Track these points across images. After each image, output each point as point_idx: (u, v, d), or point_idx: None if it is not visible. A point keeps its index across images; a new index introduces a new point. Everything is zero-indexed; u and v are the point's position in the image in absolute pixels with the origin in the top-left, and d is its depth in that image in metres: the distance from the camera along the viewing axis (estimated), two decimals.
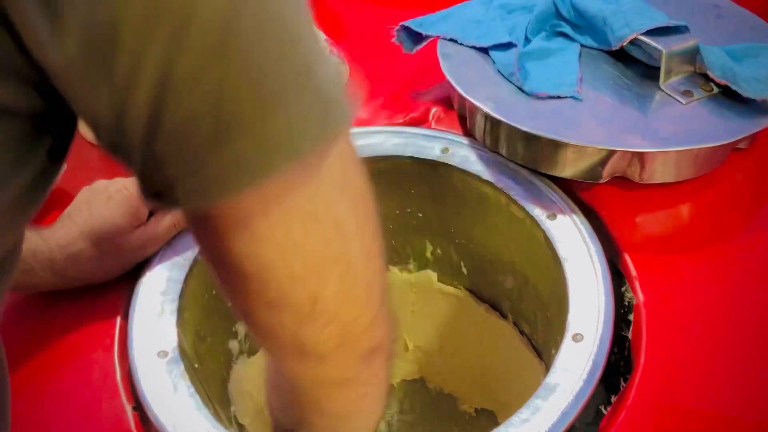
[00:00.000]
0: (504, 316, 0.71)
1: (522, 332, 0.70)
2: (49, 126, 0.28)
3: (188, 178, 0.26)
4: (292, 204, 0.28)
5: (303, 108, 0.27)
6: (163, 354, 0.51)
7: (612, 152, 0.55)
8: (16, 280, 0.49)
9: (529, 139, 0.57)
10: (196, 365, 0.57)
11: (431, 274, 0.74)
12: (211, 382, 0.60)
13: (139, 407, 0.49)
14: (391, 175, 0.65)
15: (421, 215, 0.69)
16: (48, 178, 0.30)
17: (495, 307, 0.72)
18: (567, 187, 0.59)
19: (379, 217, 0.32)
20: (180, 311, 0.54)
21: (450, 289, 0.74)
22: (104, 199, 0.54)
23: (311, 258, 0.29)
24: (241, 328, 0.66)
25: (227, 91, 0.25)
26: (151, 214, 0.56)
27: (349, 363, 0.34)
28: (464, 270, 0.72)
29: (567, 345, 0.49)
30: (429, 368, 0.82)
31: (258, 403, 0.69)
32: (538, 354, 0.68)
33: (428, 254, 0.73)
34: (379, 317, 0.33)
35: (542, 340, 0.66)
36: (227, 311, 0.64)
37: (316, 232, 0.29)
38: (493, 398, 0.79)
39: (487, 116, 0.59)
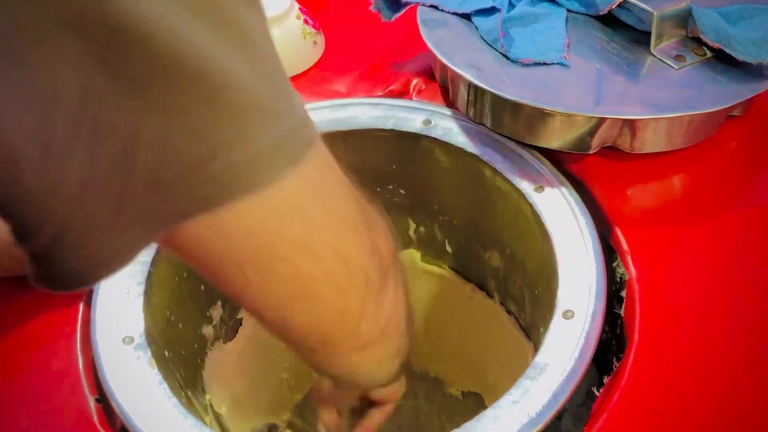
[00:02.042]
0: (490, 296, 0.69)
1: (509, 311, 0.67)
2: None
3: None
4: (246, 254, 0.29)
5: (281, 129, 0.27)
6: (129, 340, 0.48)
7: (601, 120, 0.52)
8: None
9: (515, 108, 0.54)
10: (167, 353, 0.54)
11: (415, 254, 0.71)
12: (184, 369, 0.57)
13: (102, 398, 0.46)
14: (370, 149, 0.62)
15: (402, 192, 0.66)
16: None
17: (481, 286, 0.69)
18: (555, 159, 0.56)
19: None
20: (147, 295, 0.51)
21: (434, 268, 0.72)
22: None
23: (273, 295, 0.31)
24: (215, 313, 0.63)
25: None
26: None
27: (335, 356, 0.36)
28: (449, 248, 0.69)
29: (557, 323, 0.46)
30: (414, 350, 0.79)
31: (236, 391, 0.66)
32: (526, 334, 0.66)
33: (411, 233, 0.70)
34: (363, 326, 0.35)
35: (530, 319, 0.63)
36: (200, 295, 0.61)
37: (273, 278, 0.30)
38: (480, 380, 0.77)
39: (470, 85, 0.56)
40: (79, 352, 0.49)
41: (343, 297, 0.32)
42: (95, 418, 0.45)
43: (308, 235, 0.30)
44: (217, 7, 0.25)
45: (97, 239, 0.26)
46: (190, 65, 0.24)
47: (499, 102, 0.55)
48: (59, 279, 0.27)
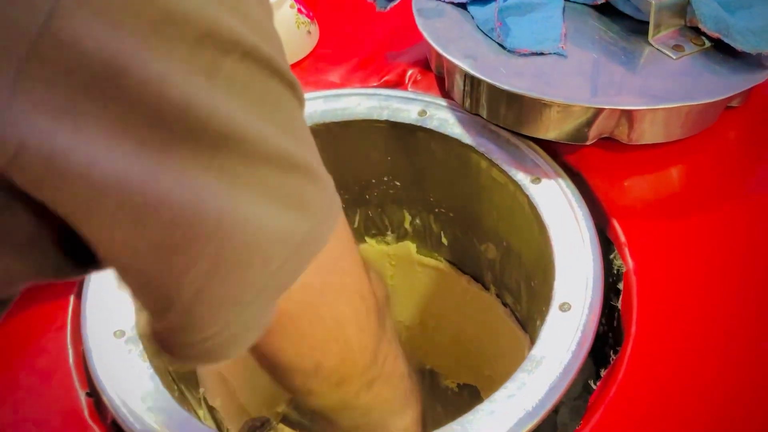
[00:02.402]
0: (486, 288, 0.68)
1: (505, 304, 0.67)
2: None
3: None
4: (299, 306, 0.32)
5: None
6: (120, 333, 0.47)
7: (599, 111, 0.52)
8: None
9: (511, 98, 0.53)
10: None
11: (410, 246, 0.71)
12: None
13: (93, 392, 0.46)
14: (365, 140, 0.61)
15: (398, 184, 0.65)
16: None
17: (477, 278, 0.69)
18: (551, 150, 0.56)
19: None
20: None
21: (430, 260, 0.71)
22: None
23: (316, 340, 0.35)
24: None
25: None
26: None
27: (349, 395, 0.39)
28: (445, 241, 0.68)
29: (553, 315, 0.46)
30: (409, 343, 0.79)
31: (230, 385, 0.66)
32: (522, 326, 0.65)
33: (407, 225, 0.69)
34: (372, 361, 0.38)
35: (526, 312, 0.63)
36: None
37: (319, 324, 0.34)
38: (476, 373, 0.76)
39: (466, 75, 0.55)
40: (69, 346, 0.48)
41: (364, 335, 0.37)
42: (86, 413, 0.45)
43: (343, 282, 0.34)
44: (272, 104, 0.28)
45: (218, 323, 0.29)
46: (269, 150, 0.27)
47: (495, 92, 0.54)
48: (180, 353, 0.30)
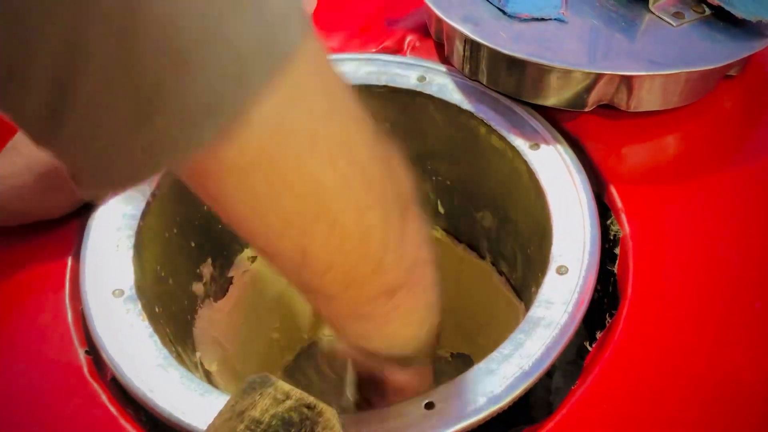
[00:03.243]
0: (482, 257, 0.68)
1: (501, 272, 0.67)
2: None
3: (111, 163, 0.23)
4: (250, 156, 0.25)
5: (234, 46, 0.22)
6: (118, 293, 0.47)
7: (599, 76, 0.52)
8: None
9: (511, 63, 0.53)
10: (157, 308, 0.53)
11: None
12: (174, 325, 0.56)
13: (92, 350, 0.46)
14: (364, 106, 0.61)
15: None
16: None
17: (473, 247, 0.69)
18: (550, 117, 0.56)
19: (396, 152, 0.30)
20: (137, 248, 0.50)
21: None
22: None
23: (287, 215, 0.27)
24: (206, 271, 0.63)
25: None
26: None
27: (360, 302, 0.33)
28: (441, 209, 0.69)
29: (551, 278, 0.46)
30: None
31: (226, 351, 0.66)
32: (518, 295, 0.66)
33: None
34: (388, 260, 0.31)
35: (522, 280, 0.63)
36: (191, 252, 0.60)
37: (284, 187, 0.26)
38: (469, 342, 0.77)
39: (466, 40, 0.55)
40: (68, 305, 0.48)
41: (363, 217, 0.29)
42: (85, 370, 0.45)
43: (316, 131, 0.26)
44: None
45: (115, 134, 0.23)
46: None
47: (495, 57, 0.54)
48: (87, 180, 0.25)
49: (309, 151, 0.26)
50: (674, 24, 0.54)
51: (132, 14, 0.20)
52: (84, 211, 0.52)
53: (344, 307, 0.33)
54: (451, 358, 0.80)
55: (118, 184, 0.25)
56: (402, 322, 0.36)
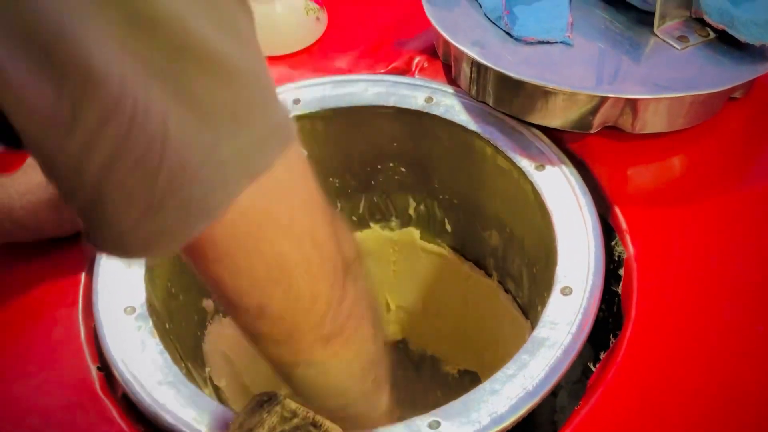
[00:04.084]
0: (489, 274, 0.69)
1: (507, 290, 0.68)
2: None
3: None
4: (235, 234, 0.31)
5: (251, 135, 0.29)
6: (130, 310, 0.48)
7: (604, 99, 0.52)
8: None
9: (517, 86, 0.54)
10: (168, 325, 0.54)
11: (414, 232, 0.72)
12: (184, 341, 0.57)
13: (104, 367, 0.47)
14: (372, 126, 0.62)
15: (403, 170, 0.66)
16: None
17: (479, 265, 0.70)
18: (556, 138, 0.56)
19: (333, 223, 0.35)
20: (149, 266, 0.51)
21: (433, 247, 0.72)
22: None
23: (255, 278, 0.33)
24: None
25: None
26: None
27: (300, 348, 0.37)
28: (448, 227, 0.69)
29: (555, 299, 0.47)
30: (411, 329, 0.80)
31: (235, 366, 0.67)
32: (524, 313, 0.66)
33: (411, 211, 0.70)
34: (327, 317, 0.36)
35: (528, 298, 0.64)
36: None
37: (258, 260, 0.32)
38: (476, 359, 0.77)
39: (473, 62, 0.56)
40: (80, 321, 0.49)
41: (315, 284, 0.34)
42: (97, 386, 0.46)
43: (291, 219, 0.32)
44: (218, 8, 0.27)
45: (127, 219, 0.28)
46: (205, 51, 0.27)
47: (501, 80, 0.55)
48: (99, 244, 0.30)
49: (284, 234, 0.32)
50: (679, 47, 0.55)
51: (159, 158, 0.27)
52: None
53: (288, 352, 0.38)
54: (457, 374, 0.81)
55: (123, 255, 0.30)
56: (342, 372, 0.40)
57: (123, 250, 0.30)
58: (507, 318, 0.68)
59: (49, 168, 0.28)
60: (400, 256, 0.74)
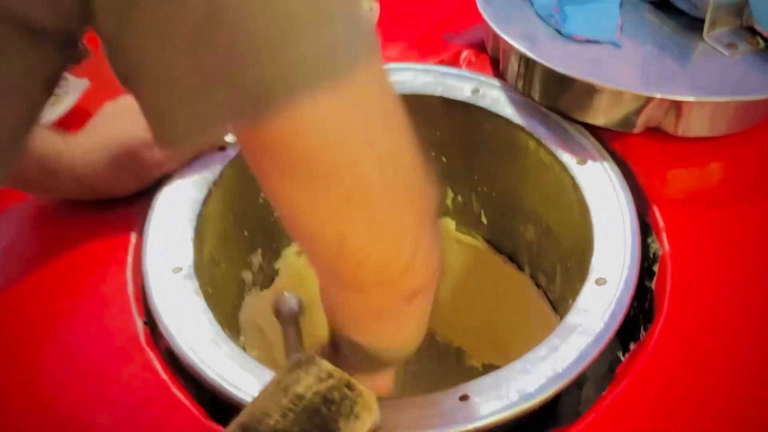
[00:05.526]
0: (521, 269, 0.70)
1: (538, 285, 0.69)
2: (54, 44, 0.28)
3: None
4: (311, 145, 0.28)
5: (333, 31, 0.27)
6: (177, 270, 0.50)
7: (649, 100, 0.53)
8: (39, 181, 0.50)
9: (564, 82, 0.55)
10: (209, 289, 0.56)
11: (450, 223, 0.73)
12: (222, 309, 0.59)
13: (150, 321, 0.49)
14: (417, 115, 0.63)
15: (444, 160, 0.68)
16: (40, 107, 0.31)
17: (513, 259, 0.71)
18: (599, 136, 0.57)
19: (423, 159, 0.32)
20: (197, 231, 0.53)
21: (468, 239, 0.73)
22: (128, 113, 0.53)
23: (334, 202, 0.30)
24: (255, 260, 0.66)
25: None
26: None
27: (389, 300, 0.35)
28: (484, 220, 0.70)
29: (589, 288, 0.48)
30: (440, 320, 0.80)
31: (267, 338, 0.68)
32: (554, 308, 0.67)
33: (449, 202, 0.71)
34: (417, 263, 0.33)
35: (559, 294, 0.65)
36: (243, 240, 0.63)
37: (336, 179, 0.29)
38: (502, 354, 0.78)
39: (521, 56, 0.57)
40: (129, 278, 0.51)
41: (401, 219, 0.31)
42: (142, 339, 0.48)
43: (373, 135, 0.29)
44: None
45: (180, 96, 0.27)
46: None
47: (549, 75, 0.56)
48: (162, 126, 0.28)
49: (365, 151, 0.29)
50: (727, 54, 0.55)
51: None
52: (150, 192, 0.55)
53: (371, 304, 0.35)
54: (482, 368, 0.81)
55: (192, 134, 0.28)
56: (415, 326, 0.38)
57: (191, 126, 0.27)
58: (536, 313, 0.69)
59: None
60: None
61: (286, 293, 0.52)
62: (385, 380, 0.45)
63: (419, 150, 0.32)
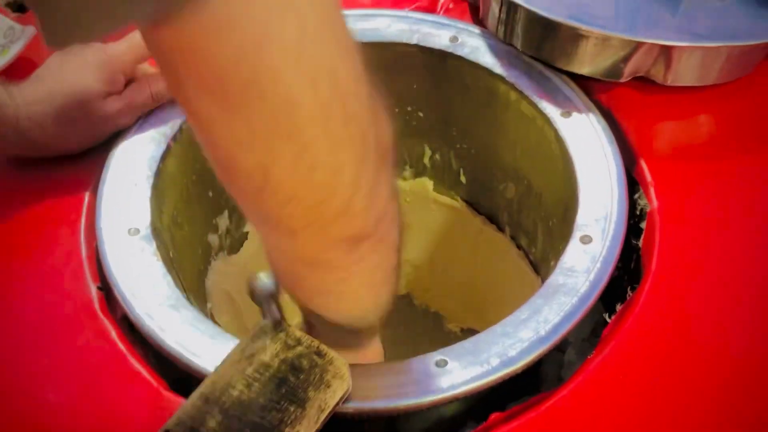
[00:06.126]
0: (501, 229, 0.67)
1: (519, 246, 0.66)
2: None
3: None
4: (225, 51, 0.24)
5: None
6: (134, 231, 0.47)
7: (638, 45, 0.50)
8: None
9: (548, 27, 0.52)
10: (171, 253, 0.53)
11: (427, 183, 0.70)
12: (187, 273, 0.56)
13: (105, 287, 0.45)
14: (392, 65, 0.60)
15: (421, 115, 0.64)
16: None
17: (492, 219, 0.68)
18: (584, 87, 0.54)
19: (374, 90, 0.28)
20: (155, 189, 0.49)
21: (446, 199, 0.70)
22: (78, 62, 0.49)
23: (255, 124, 0.26)
24: (222, 222, 0.62)
25: None
26: (128, 84, 0.51)
27: (322, 245, 0.31)
28: (463, 179, 0.68)
29: (574, 246, 0.45)
30: (417, 284, 0.79)
31: (237, 305, 0.65)
32: (535, 270, 0.65)
33: (426, 160, 0.68)
34: (357, 204, 0.29)
35: (541, 254, 0.62)
36: (208, 201, 0.60)
37: (257, 95, 0.25)
38: (481, 318, 0.76)
39: (502, 1, 0.53)
40: (83, 241, 0.48)
41: (337, 151, 0.27)
42: (97, 306, 0.45)
43: (301, 43, 0.24)
44: None
45: None
46: None
47: (532, 20, 0.52)
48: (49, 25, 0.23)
49: (292, 63, 0.24)
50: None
51: None
52: (104, 148, 0.51)
53: (303, 248, 0.31)
54: (460, 332, 0.80)
55: (84, 30, 0.23)
56: (363, 281, 0.34)
57: (84, 21, 0.22)
58: (517, 275, 0.67)
59: None
60: (412, 208, 0.72)
61: (260, 274, 0.48)
62: (369, 354, 0.42)
63: (368, 77, 0.28)
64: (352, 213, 0.29)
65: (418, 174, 0.70)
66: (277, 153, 0.26)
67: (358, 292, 0.36)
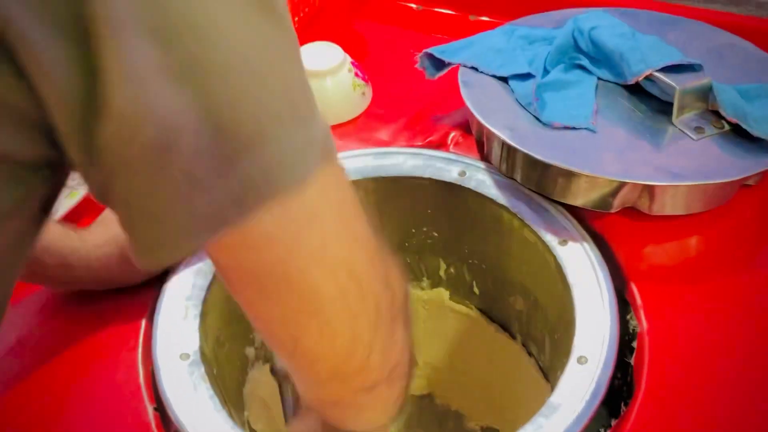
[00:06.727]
0: (513, 337, 0.73)
1: (530, 353, 0.71)
2: (44, 173, 0.30)
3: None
4: (262, 259, 0.30)
5: (295, 140, 0.28)
6: (185, 356, 0.53)
7: (623, 184, 0.57)
8: (58, 276, 0.53)
9: (544, 167, 0.59)
10: (215, 370, 0.59)
11: (444, 293, 0.76)
12: (228, 386, 0.62)
13: (160, 407, 0.52)
14: (408, 195, 0.67)
15: (436, 234, 0.71)
16: (37, 228, 0.33)
17: (505, 327, 0.74)
18: (578, 215, 0.61)
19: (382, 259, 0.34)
20: (203, 316, 0.56)
21: (461, 308, 0.76)
22: None
23: (286, 308, 0.32)
24: (257, 336, 0.69)
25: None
26: None
27: (344, 392, 0.36)
28: (476, 290, 0.74)
29: (571, 367, 0.51)
30: (437, 384, 0.84)
31: (271, 411, 0.71)
32: (545, 375, 0.70)
33: (441, 273, 0.75)
34: (373, 362, 0.34)
35: (549, 362, 0.68)
36: (246, 319, 0.66)
37: (287, 288, 0.31)
38: (499, 417, 0.80)
39: (503, 143, 0.61)
40: (140, 365, 0.54)
41: (355, 323, 0.32)
42: (152, 424, 0.51)
43: (324, 247, 0.30)
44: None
45: (150, 225, 0.28)
46: (231, 52, 0.26)
47: (529, 161, 0.60)
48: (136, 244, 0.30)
49: (316, 262, 0.31)
50: (695, 138, 0.59)
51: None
52: (159, 279, 0.58)
53: (328, 394, 0.37)
54: (480, 431, 0.84)
55: (166, 254, 0.29)
56: (378, 410, 0.39)
57: (164, 245, 0.29)
58: (529, 379, 0.72)
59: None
60: (430, 315, 0.78)
61: None
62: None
63: (381, 249, 0.34)
64: (370, 368, 0.35)
65: (434, 285, 0.76)
66: (305, 327, 0.32)
67: (375, 417, 0.41)
